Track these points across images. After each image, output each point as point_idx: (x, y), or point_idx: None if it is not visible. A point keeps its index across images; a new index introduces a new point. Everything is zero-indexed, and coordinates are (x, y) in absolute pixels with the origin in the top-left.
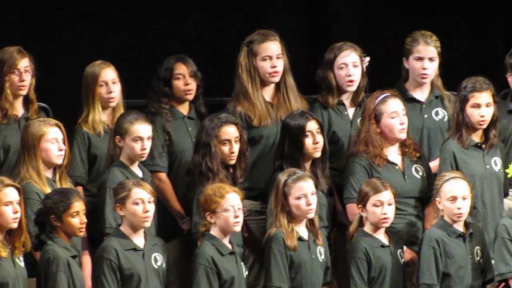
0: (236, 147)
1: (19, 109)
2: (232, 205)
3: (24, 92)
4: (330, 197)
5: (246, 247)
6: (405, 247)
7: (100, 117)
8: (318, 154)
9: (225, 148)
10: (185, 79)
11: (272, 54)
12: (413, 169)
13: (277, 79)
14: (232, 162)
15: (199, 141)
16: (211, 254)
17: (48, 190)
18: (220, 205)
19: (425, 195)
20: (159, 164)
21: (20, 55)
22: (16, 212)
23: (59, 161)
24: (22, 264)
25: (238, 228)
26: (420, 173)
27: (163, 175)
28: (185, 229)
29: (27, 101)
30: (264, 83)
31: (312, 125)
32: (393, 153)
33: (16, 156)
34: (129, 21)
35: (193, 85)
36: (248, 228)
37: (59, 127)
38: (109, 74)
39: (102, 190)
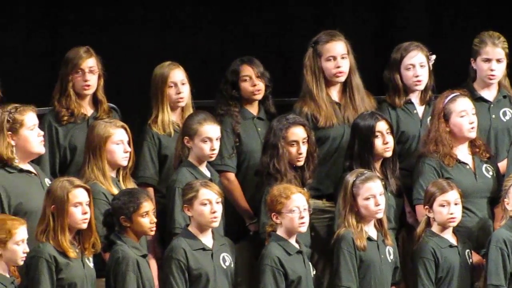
0: (303, 148)
1: (87, 109)
2: (297, 206)
3: (89, 92)
4: (399, 198)
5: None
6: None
7: (169, 118)
8: (388, 154)
9: (293, 149)
10: (252, 81)
11: (336, 54)
12: (483, 169)
13: (342, 79)
14: (300, 163)
15: (267, 142)
16: (277, 255)
17: (114, 190)
18: (286, 206)
19: (495, 195)
20: (228, 164)
21: (86, 55)
22: (85, 213)
23: (124, 162)
24: (91, 264)
25: (303, 229)
26: (491, 173)
27: (232, 175)
28: (252, 231)
29: (96, 101)
30: (330, 83)
31: (382, 126)
32: (463, 153)
33: (83, 156)
34: (198, 21)
35: (260, 85)
36: (313, 227)
37: (125, 129)
38: (178, 75)
39: (171, 191)
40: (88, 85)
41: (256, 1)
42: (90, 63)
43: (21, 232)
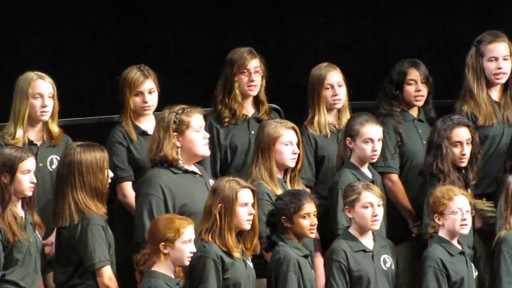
0: (467, 149)
1: (249, 110)
2: (459, 208)
3: (253, 93)
4: None
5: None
6: None
7: (326, 119)
8: None
9: (456, 150)
10: (417, 85)
11: (498, 55)
12: None
13: (502, 80)
14: (463, 164)
15: (431, 142)
16: (440, 256)
17: (278, 191)
18: (448, 207)
19: None
20: (391, 166)
21: (250, 56)
22: (250, 214)
23: (291, 164)
24: (251, 264)
25: (465, 231)
26: None
27: (395, 177)
28: (415, 233)
29: (257, 102)
30: (491, 83)
31: None
32: None
33: (243, 156)
34: (357, 23)
35: (424, 91)
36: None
37: (295, 131)
38: (335, 77)
39: (334, 192)
40: (254, 85)
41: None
42: (255, 64)
43: (188, 231)
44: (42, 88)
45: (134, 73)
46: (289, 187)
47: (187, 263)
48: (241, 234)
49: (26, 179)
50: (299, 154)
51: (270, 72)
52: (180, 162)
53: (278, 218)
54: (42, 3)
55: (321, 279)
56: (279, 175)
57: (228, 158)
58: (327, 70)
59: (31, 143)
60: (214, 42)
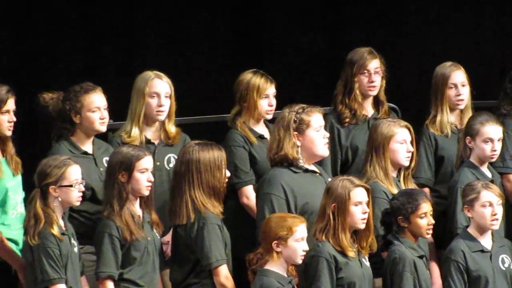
0: None
1: (368, 110)
2: None
3: (373, 93)
4: None
5: None
6: None
7: (448, 119)
8: None
9: None
10: None
11: None
12: None
13: None
14: None
15: None
16: None
17: (394, 190)
18: None
19: None
20: (509, 166)
21: (370, 56)
22: (365, 212)
23: (406, 162)
24: (367, 264)
25: None
26: None
27: None
28: None
29: (377, 102)
30: None
31: None
32: None
33: (363, 156)
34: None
35: None
36: None
37: (409, 129)
38: (459, 77)
39: (453, 191)
40: (374, 86)
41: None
42: (375, 64)
43: (301, 230)
44: (159, 88)
45: (259, 78)
46: (403, 186)
47: (299, 261)
48: (356, 233)
49: (143, 178)
50: (412, 153)
51: (391, 71)
52: (300, 161)
53: (394, 218)
54: (165, 2)
55: (438, 278)
56: (393, 173)
57: (349, 159)
58: (451, 69)
59: (148, 141)
60: (331, 42)
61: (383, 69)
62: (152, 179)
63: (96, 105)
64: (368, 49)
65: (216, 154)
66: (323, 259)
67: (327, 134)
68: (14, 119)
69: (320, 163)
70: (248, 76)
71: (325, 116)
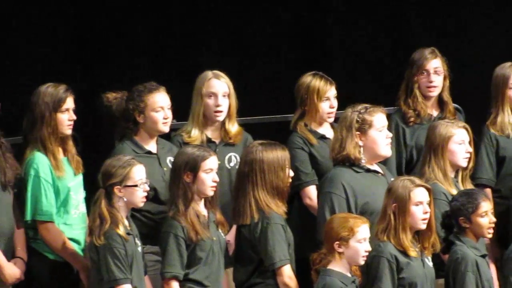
0: None
1: (433, 110)
2: None
3: (433, 94)
4: None
5: None
6: None
7: (509, 119)
8: None
9: None
10: None
11: None
12: None
13: None
14: None
15: None
16: None
17: (453, 191)
18: None
19: None
20: None
21: (431, 56)
22: (426, 212)
23: (464, 163)
24: (430, 264)
25: None
26: None
27: None
28: None
29: (441, 102)
30: None
31: None
32: None
33: None
34: None
35: None
36: None
37: (466, 130)
38: None
39: None
40: (434, 86)
41: None
42: (435, 64)
43: (363, 230)
44: (216, 88)
45: (318, 80)
46: (461, 187)
47: (362, 262)
48: (418, 233)
49: (208, 178)
50: (471, 153)
51: (455, 71)
52: (363, 161)
53: (454, 219)
54: (228, 3)
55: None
56: (451, 174)
57: (413, 158)
58: (511, 69)
59: (209, 140)
60: (396, 41)
61: (445, 69)
62: (217, 179)
63: (159, 104)
64: (430, 49)
65: (280, 154)
66: (384, 259)
67: (390, 134)
68: (74, 117)
69: (384, 163)
70: (308, 79)
71: (388, 116)
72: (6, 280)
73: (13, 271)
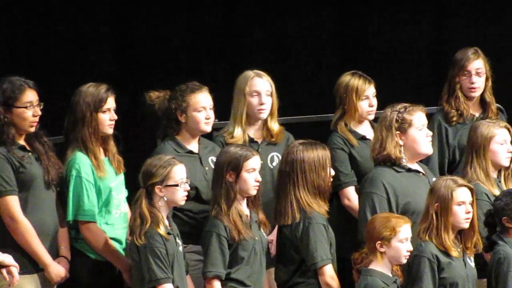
0: None
1: (476, 110)
2: None
3: (474, 94)
4: None
5: None
6: None
7: None
8: None
9: None
10: None
11: None
12: None
13: None
14: None
15: None
16: None
17: (495, 191)
18: None
19: None
20: None
21: (473, 56)
22: (468, 212)
23: (506, 163)
24: (472, 264)
25: None
26: None
27: None
28: None
29: (483, 103)
30: None
31: None
32: None
33: None
34: None
35: None
36: None
37: (508, 130)
38: None
39: None
40: (474, 87)
41: None
42: (477, 65)
43: (405, 230)
44: (259, 86)
45: (357, 79)
46: (504, 187)
47: (404, 261)
48: (460, 233)
49: (251, 177)
50: None
51: (496, 72)
52: (403, 160)
53: (498, 218)
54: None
55: None
56: (493, 174)
57: (456, 158)
58: None
59: (251, 140)
60: (436, 40)
61: (488, 70)
62: (260, 179)
63: (202, 104)
64: (473, 49)
65: (321, 153)
66: (425, 259)
67: (430, 133)
68: (115, 117)
69: (426, 162)
70: (347, 78)
71: (428, 115)
72: (52, 279)
73: (58, 270)
